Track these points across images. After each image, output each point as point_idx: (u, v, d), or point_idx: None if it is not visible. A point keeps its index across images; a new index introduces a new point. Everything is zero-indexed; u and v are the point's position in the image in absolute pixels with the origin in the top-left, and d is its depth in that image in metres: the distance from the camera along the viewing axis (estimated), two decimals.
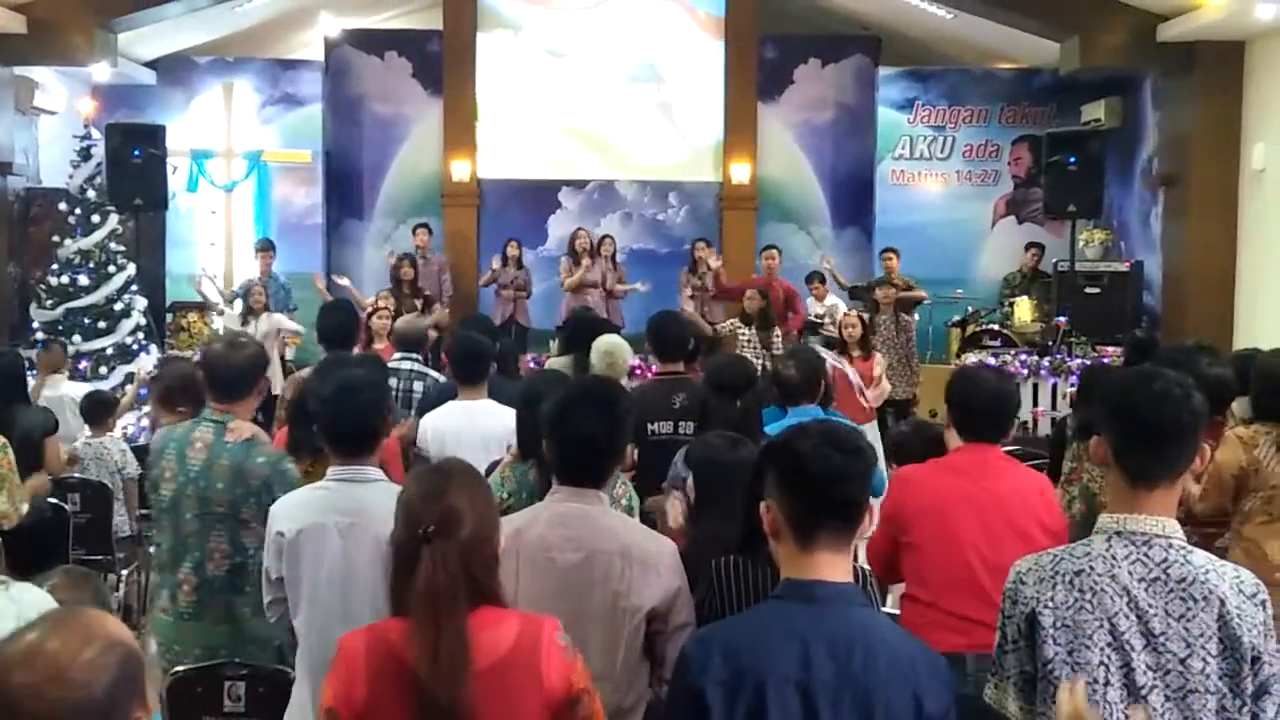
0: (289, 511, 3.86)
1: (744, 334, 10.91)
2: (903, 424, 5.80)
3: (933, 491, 4.30)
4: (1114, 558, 2.71)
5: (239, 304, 12.46)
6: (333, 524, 3.74)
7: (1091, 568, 2.72)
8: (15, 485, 5.73)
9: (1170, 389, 2.77)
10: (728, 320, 11.44)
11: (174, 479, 4.51)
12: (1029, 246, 14.32)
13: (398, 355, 7.27)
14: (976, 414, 4.35)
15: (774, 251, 12.76)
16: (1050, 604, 2.73)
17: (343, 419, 3.88)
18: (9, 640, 1.93)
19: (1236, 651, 2.65)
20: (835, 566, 2.61)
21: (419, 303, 12.53)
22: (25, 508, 5.75)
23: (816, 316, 12.42)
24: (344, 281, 13.12)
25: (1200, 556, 2.72)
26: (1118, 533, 2.74)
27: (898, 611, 4.32)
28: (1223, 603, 2.65)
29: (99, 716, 1.91)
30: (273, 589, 3.88)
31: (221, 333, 12.53)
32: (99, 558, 7.21)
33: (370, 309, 9.98)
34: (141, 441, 8.50)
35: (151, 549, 4.72)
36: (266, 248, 13.25)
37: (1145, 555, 2.70)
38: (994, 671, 2.85)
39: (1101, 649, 2.68)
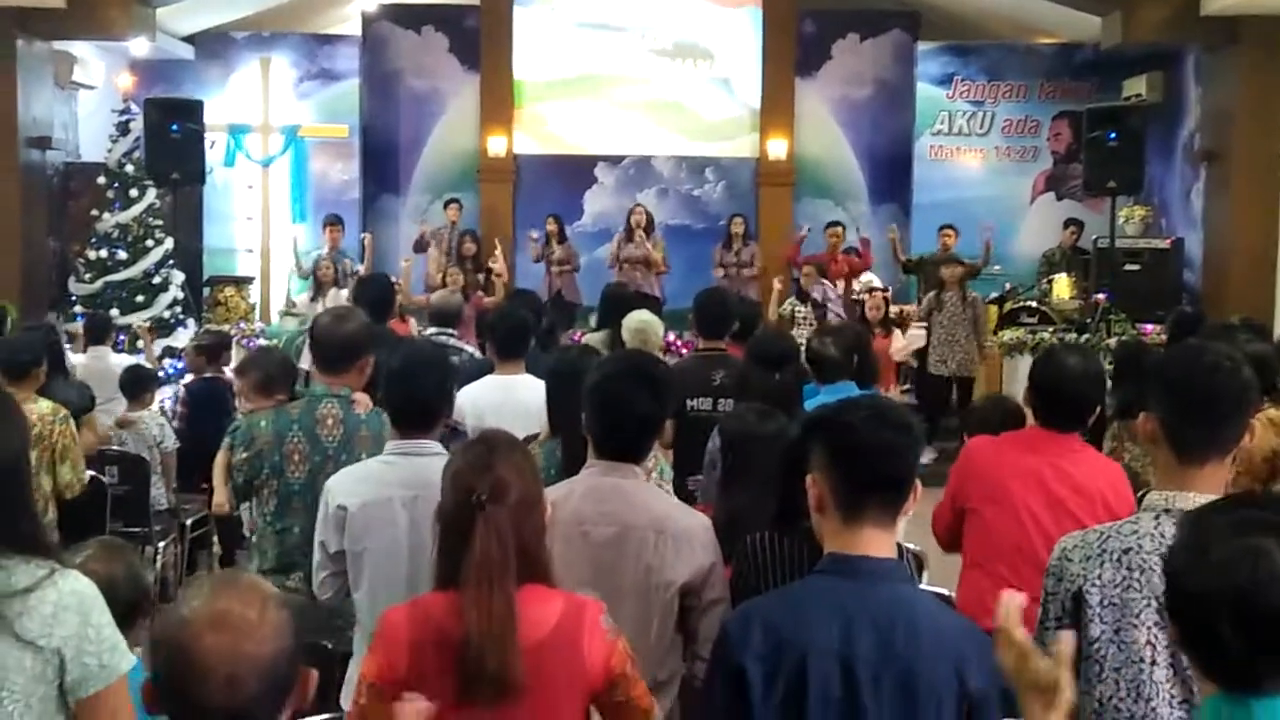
0: (349, 486, 3.87)
1: (800, 311, 11.05)
2: (983, 400, 5.76)
3: (999, 462, 4.28)
4: (1162, 536, 2.67)
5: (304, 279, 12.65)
6: (398, 497, 3.77)
7: (1140, 545, 2.69)
8: (78, 456, 5.80)
9: (1221, 362, 2.74)
10: (786, 301, 11.66)
11: (306, 460, 4.46)
12: (1068, 224, 14.24)
13: (433, 330, 7.32)
14: (1053, 402, 4.25)
15: (838, 228, 13.42)
16: (1098, 582, 2.70)
17: (409, 395, 3.93)
18: (187, 606, 1.96)
19: None
20: (880, 542, 2.58)
21: (481, 277, 12.60)
22: (87, 476, 5.83)
23: (855, 295, 12.42)
24: (405, 263, 13.24)
25: None
26: (1166, 510, 2.70)
27: (942, 591, 4.31)
28: None
29: (286, 669, 1.98)
30: (331, 563, 3.88)
31: (287, 305, 12.68)
32: (136, 530, 7.23)
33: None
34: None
35: (268, 536, 4.62)
36: (335, 222, 13.31)
37: None
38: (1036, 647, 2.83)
39: (1149, 628, 2.65)
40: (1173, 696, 2.64)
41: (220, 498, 5.01)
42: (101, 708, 2.55)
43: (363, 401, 4.58)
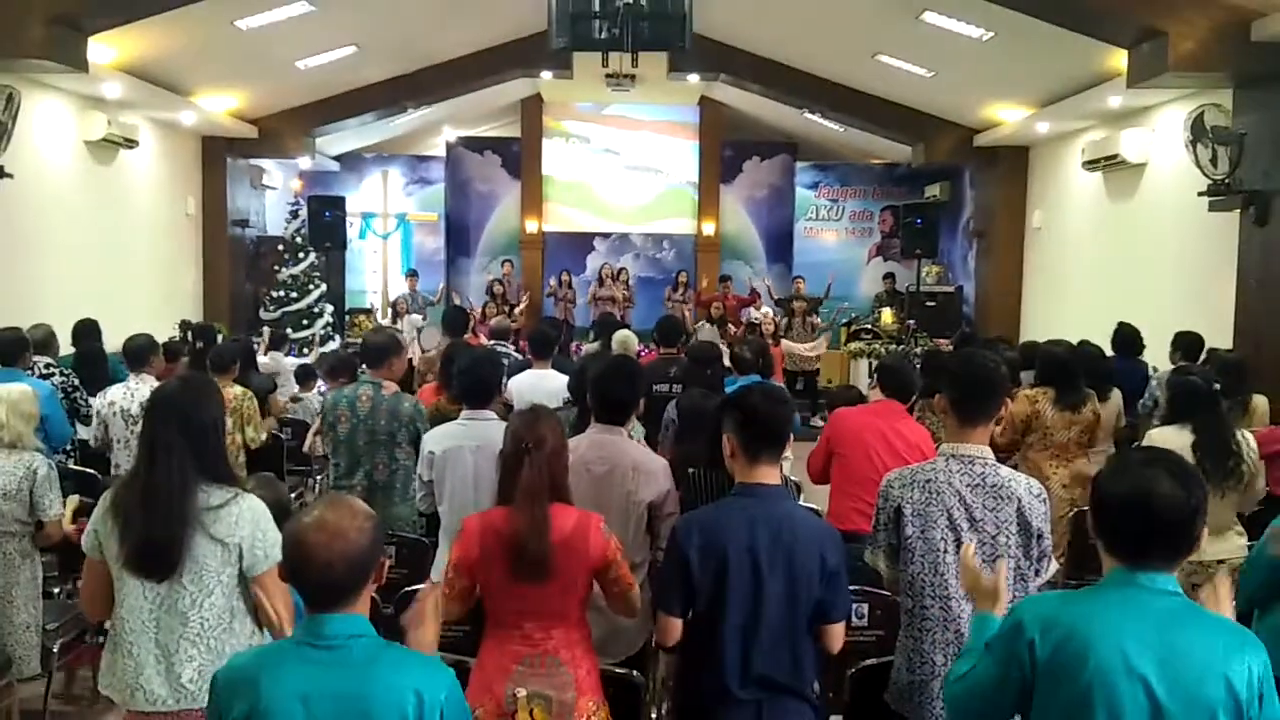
0: (437, 439, 3.89)
1: (707, 329, 11.20)
2: (835, 387, 5.97)
3: (858, 424, 4.39)
4: (950, 471, 2.69)
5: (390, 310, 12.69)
6: (467, 446, 3.77)
7: (936, 477, 2.70)
8: (259, 422, 5.77)
9: (987, 363, 2.76)
10: (699, 321, 11.82)
11: (349, 420, 4.56)
12: (885, 276, 14.33)
13: (493, 341, 7.31)
14: (893, 385, 4.49)
15: (729, 281, 13.56)
16: (910, 500, 2.70)
17: (473, 382, 3.94)
18: (303, 515, 1.96)
19: (1028, 531, 2.63)
20: (770, 475, 2.61)
21: (507, 308, 12.61)
22: (264, 435, 5.80)
23: (754, 320, 12.45)
24: (456, 299, 13.23)
25: (1005, 470, 2.70)
26: (953, 455, 2.71)
27: (812, 506, 4.33)
28: (1020, 500, 2.63)
29: (365, 560, 1.94)
30: (424, 488, 3.90)
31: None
32: (302, 469, 7.17)
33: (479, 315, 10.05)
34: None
35: (331, 467, 4.72)
36: (412, 275, 13.41)
37: (970, 470, 2.67)
38: (871, 543, 2.83)
39: (942, 529, 2.66)
40: (957, 572, 2.63)
41: (308, 442, 5.26)
42: (267, 581, 2.56)
43: (390, 387, 4.61)
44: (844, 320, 13.51)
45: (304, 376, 8.03)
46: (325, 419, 4.66)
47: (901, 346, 11.86)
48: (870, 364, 11.75)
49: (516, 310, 12.65)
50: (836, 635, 2.59)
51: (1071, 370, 5.08)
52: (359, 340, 11.42)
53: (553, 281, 14.18)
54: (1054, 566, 2.67)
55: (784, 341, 10.68)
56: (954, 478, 2.67)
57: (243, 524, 2.55)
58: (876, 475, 4.03)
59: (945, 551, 2.64)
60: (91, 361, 6.37)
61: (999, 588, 2.20)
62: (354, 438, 4.55)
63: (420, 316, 12.19)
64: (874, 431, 4.27)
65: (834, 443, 4.44)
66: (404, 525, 4.43)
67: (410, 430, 4.50)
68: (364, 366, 4.85)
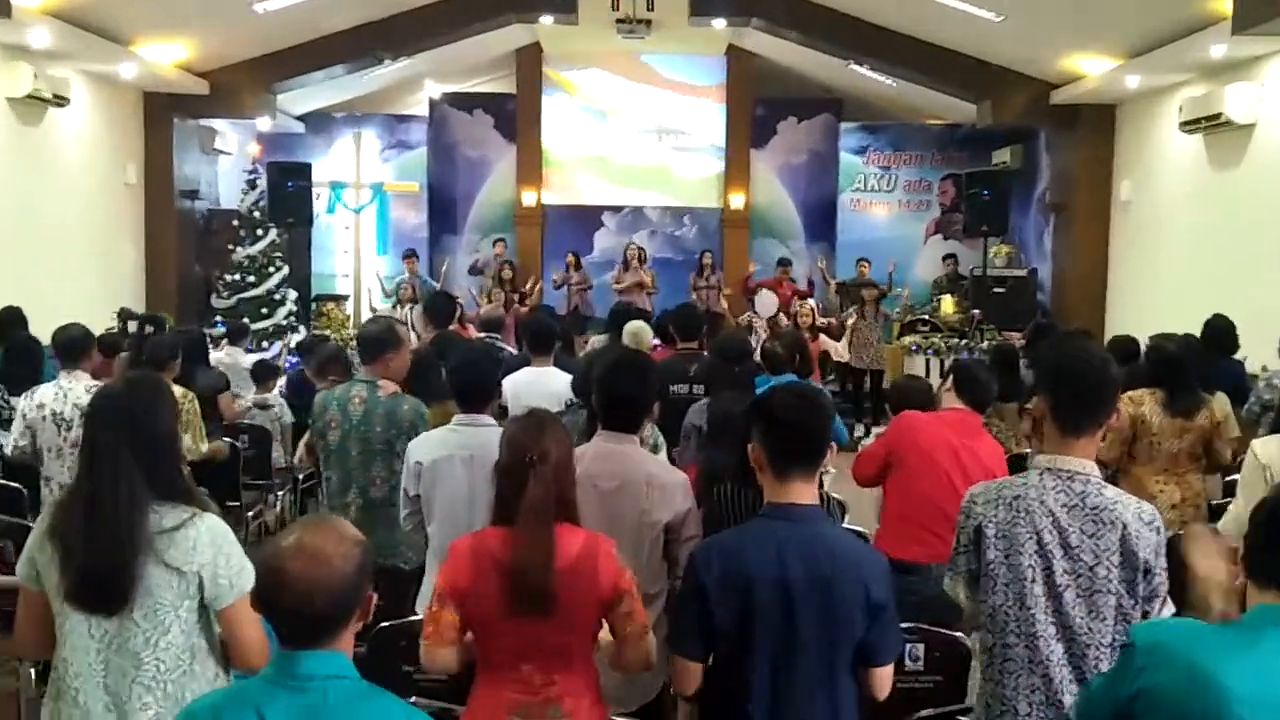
0: (425, 447, 3.87)
1: (757, 321, 11.64)
2: (902, 378, 6.04)
3: (928, 435, 4.36)
4: (1044, 487, 2.61)
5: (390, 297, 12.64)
6: (458, 456, 3.76)
7: (1026, 494, 2.62)
8: (199, 429, 5.69)
9: (1095, 361, 2.67)
10: (745, 314, 12.35)
11: (339, 427, 4.50)
12: (945, 258, 14.24)
13: (483, 334, 7.28)
14: (970, 393, 4.48)
15: (787, 267, 13.67)
16: (994, 519, 2.63)
17: (468, 383, 3.93)
18: (281, 540, 1.95)
19: (1133, 564, 2.54)
20: (805, 492, 2.58)
21: (516, 296, 12.59)
22: (204, 448, 5.73)
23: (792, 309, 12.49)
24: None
25: (1112, 491, 2.61)
26: (1049, 469, 2.63)
27: (859, 529, 4.29)
28: (1125, 526, 2.54)
29: (350, 591, 1.93)
30: (409, 504, 3.89)
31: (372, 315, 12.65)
32: (261, 483, 7.14)
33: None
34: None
35: (324, 482, 4.69)
36: (411, 255, 13.17)
37: (1069, 487, 2.59)
38: (950, 568, 2.76)
39: (1030, 555, 2.58)
40: (1047, 606, 2.57)
41: (301, 452, 5.36)
42: (234, 616, 2.54)
43: (387, 387, 4.56)
44: (896, 309, 13.45)
45: (262, 375, 7.99)
46: (314, 425, 4.59)
47: (965, 340, 11.79)
48: (928, 361, 11.69)
49: (527, 299, 12.60)
50: (883, 680, 2.57)
51: (1185, 369, 4.98)
52: (325, 333, 11.49)
53: (556, 275, 13.99)
54: (1170, 609, 2.58)
55: (821, 337, 10.70)
56: (1047, 495, 2.58)
57: (202, 549, 2.52)
58: (943, 500, 3.98)
59: (1034, 581, 2.56)
60: (24, 356, 6.13)
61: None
62: (345, 447, 4.47)
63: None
64: (946, 449, 4.21)
65: (896, 452, 4.37)
66: (411, 551, 4.33)
67: (412, 436, 4.45)
68: (359, 363, 4.81)
